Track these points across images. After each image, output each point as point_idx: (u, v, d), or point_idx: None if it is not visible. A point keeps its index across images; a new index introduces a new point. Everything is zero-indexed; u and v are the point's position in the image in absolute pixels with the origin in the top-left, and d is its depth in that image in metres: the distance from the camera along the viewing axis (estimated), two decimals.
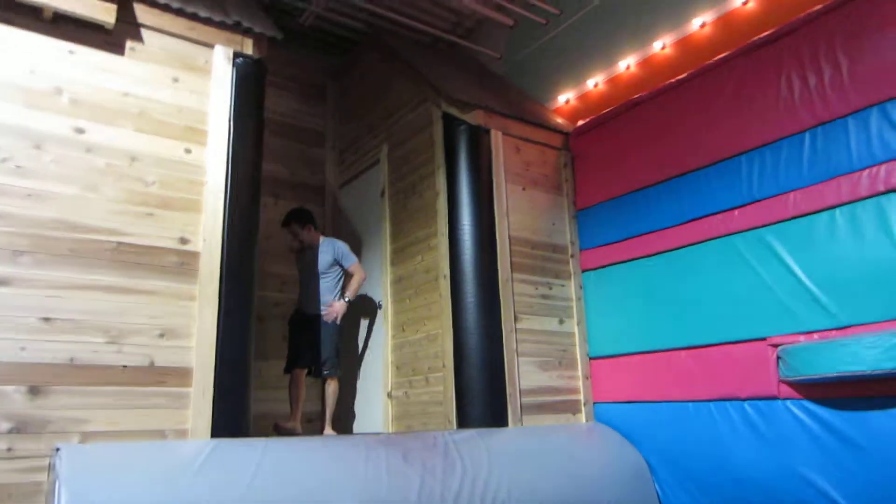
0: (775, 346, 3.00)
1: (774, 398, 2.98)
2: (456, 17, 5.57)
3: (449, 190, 3.91)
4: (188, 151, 2.92)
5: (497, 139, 4.05)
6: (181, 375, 2.66)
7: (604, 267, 4.01)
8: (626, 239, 3.89)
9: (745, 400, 3.11)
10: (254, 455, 2.44)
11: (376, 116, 5.01)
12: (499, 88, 4.90)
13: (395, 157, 4.66)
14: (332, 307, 4.21)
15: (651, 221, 3.74)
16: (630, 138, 3.95)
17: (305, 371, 4.21)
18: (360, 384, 4.75)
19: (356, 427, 4.66)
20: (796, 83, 3.08)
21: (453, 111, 4.03)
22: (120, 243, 2.66)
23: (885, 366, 2.46)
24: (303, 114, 5.59)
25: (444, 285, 3.79)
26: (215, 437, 2.61)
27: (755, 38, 3.28)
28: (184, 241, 2.81)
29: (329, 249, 4.36)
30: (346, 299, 4.26)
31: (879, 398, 2.62)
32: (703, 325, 3.36)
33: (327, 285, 4.29)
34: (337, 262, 4.34)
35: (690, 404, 3.36)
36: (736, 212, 3.27)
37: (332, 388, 4.20)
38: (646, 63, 4.20)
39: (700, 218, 3.46)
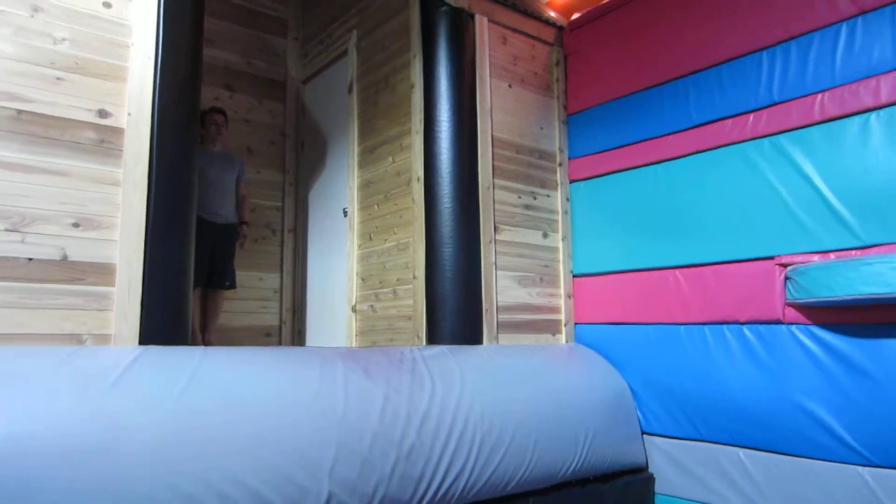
0: (784, 265, 2.69)
1: (778, 322, 2.70)
2: None
3: (426, 82, 3.42)
4: (107, 5, 2.37)
5: (482, 26, 3.54)
6: (102, 272, 2.23)
7: (594, 177, 3.63)
8: (620, 147, 3.49)
9: (744, 324, 2.83)
10: (187, 364, 2.06)
11: (345, 0, 4.41)
12: None
13: (366, 47, 4.12)
14: (245, 232, 4.23)
15: (650, 127, 3.33)
16: (634, 33, 3.47)
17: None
18: (320, 297, 4.39)
19: (315, 342, 4.32)
20: None
21: None
22: (21, 111, 2.16)
23: None
24: None
25: (418, 189, 3.38)
26: (144, 344, 2.22)
27: None
28: (103, 113, 2.31)
29: (239, 162, 4.26)
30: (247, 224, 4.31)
31: None
32: (701, 243, 3.03)
33: (233, 198, 4.17)
34: (238, 178, 4.23)
35: (682, 327, 3.08)
36: (751, 116, 2.88)
37: (222, 299, 4.12)
38: None
39: (708, 123, 3.06)
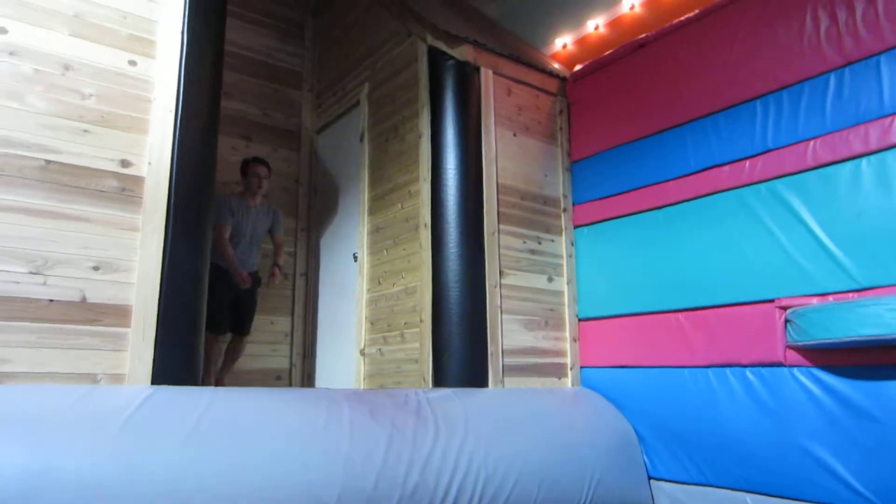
0: (784, 308, 2.73)
1: (780, 365, 2.72)
2: None
3: (433, 131, 3.56)
4: (133, 63, 2.54)
5: (487, 78, 3.70)
6: (118, 314, 2.33)
7: (598, 222, 3.71)
8: (623, 192, 3.58)
9: (746, 366, 2.85)
10: (197, 404, 2.12)
11: (358, 54, 4.62)
12: (492, 29, 4.53)
13: (377, 98, 4.29)
14: (275, 272, 4.28)
15: (652, 173, 3.42)
16: (632, 83, 3.61)
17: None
18: (330, 340, 4.45)
19: (324, 385, 4.36)
20: (824, 19, 2.75)
21: (440, 45, 3.66)
22: (49, 162, 2.30)
23: None
24: (280, 52, 5.19)
25: (425, 235, 3.47)
26: (156, 384, 2.29)
27: None
28: (126, 163, 2.45)
29: (272, 213, 4.30)
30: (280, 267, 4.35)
31: None
32: (704, 286, 3.08)
33: (259, 249, 4.24)
34: (271, 230, 4.29)
35: (686, 370, 3.10)
36: (747, 162, 2.96)
37: (244, 345, 4.21)
38: (652, 2, 3.85)
39: (706, 169, 3.15)
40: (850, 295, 2.54)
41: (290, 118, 5.11)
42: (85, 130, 2.39)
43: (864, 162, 2.55)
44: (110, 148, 2.43)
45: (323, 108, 5.07)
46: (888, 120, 2.49)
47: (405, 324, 3.60)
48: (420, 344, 3.40)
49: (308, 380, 4.54)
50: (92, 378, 2.24)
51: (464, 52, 3.61)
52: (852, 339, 2.34)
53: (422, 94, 3.71)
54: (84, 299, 2.28)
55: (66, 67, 2.39)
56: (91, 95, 2.42)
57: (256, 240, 4.19)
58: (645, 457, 3.21)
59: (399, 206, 3.83)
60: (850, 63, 2.64)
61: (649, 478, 3.20)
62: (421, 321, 3.41)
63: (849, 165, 2.60)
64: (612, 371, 3.51)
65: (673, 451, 3.09)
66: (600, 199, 3.72)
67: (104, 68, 2.47)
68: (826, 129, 2.69)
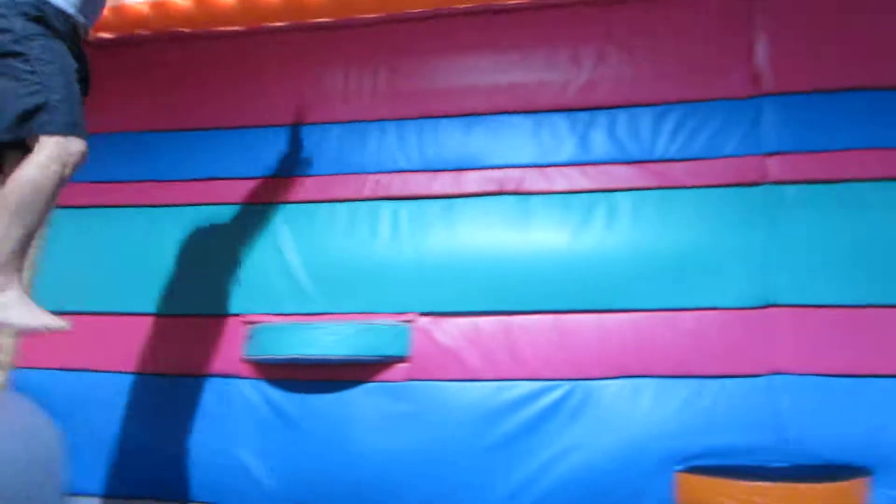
0: (248, 323, 2.90)
1: (235, 376, 2.86)
2: None
3: None
4: None
5: None
6: None
7: (83, 207, 3.25)
8: (119, 182, 3.26)
9: (206, 376, 2.88)
10: None
11: None
12: None
13: None
14: None
15: (149, 169, 3.24)
16: (162, 74, 3.37)
17: None
18: None
19: None
20: (339, 78, 3.12)
21: None
22: None
23: (337, 352, 2.64)
24: None
25: None
26: None
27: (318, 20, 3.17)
28: None
29: None
30: None
31: (325, 382, 2.76)
32: (179, 293, 3.02)
33: None
34: None
35: (140, 377, 2.94)
36: (248, 182, 3.09)
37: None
38: (159, 6, 3.58)
39: (208, 179, 3.15)
40: (307, 318, 2.85)
41: None
42: None
43: (342, 206, 2.97)
44: None
45: None
46: (362, 177, 2.99)
47: None
48: None
49: None
50: None
51: None
52: (293, 356, 2.67)
53: None
54: None
55: None
56: None
57: None
58: (70, 470, 2.84)
59: None
60: (350, 122, 3.07)
61: (73, 493, 2.84)
62: None
63: (327, 206, 2.98)
64: (61, 374, 3.06)
65: (102, 463, 2.87)
66: (92, 182, 3.28)
67: None
68: (322, 171, 3.04)
